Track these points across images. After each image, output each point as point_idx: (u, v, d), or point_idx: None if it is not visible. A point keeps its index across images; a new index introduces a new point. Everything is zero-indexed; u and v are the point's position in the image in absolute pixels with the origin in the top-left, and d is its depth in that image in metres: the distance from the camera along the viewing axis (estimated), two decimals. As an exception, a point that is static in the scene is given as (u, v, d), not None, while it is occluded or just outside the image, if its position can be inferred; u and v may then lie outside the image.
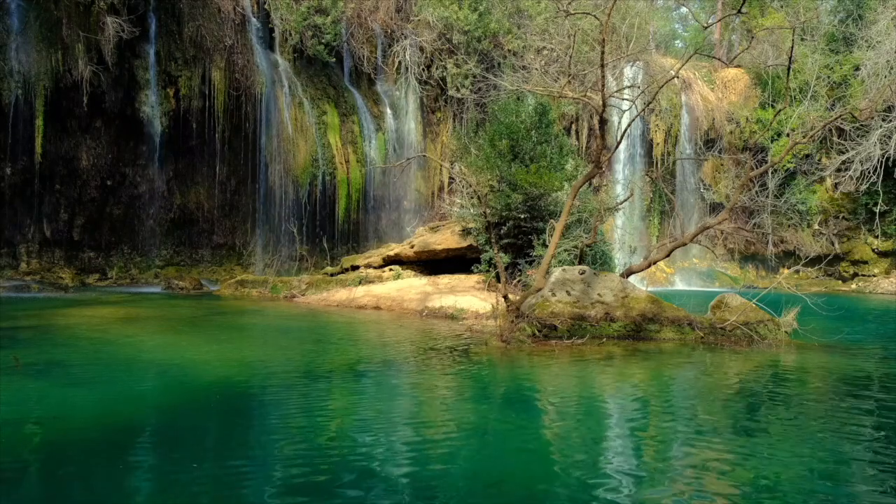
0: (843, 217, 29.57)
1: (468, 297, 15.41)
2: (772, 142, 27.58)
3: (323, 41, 25.13)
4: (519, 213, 16.68)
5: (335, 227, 25.46)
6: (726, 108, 30.54)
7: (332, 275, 20.88)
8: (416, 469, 4.82)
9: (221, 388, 7.38)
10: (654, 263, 14.79)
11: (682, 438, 5.68)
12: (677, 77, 26.68)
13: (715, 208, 29.80)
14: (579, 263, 12.93)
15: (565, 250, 14.92)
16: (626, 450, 5.44)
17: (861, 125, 25.51)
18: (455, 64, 26.95)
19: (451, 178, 26.56)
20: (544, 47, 26.78)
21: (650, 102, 18.32)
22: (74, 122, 21.75)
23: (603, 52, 10.79)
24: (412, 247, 19.89)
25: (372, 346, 11.11)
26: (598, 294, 11.57)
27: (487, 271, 16.83)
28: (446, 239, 19.18)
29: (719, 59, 32.86)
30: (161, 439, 5.59)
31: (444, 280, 18.01)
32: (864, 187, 26.62)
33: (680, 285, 28.93)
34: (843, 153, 25.48)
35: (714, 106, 30.47)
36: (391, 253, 20.37)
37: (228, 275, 23.67)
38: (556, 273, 11.92)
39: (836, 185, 28.82)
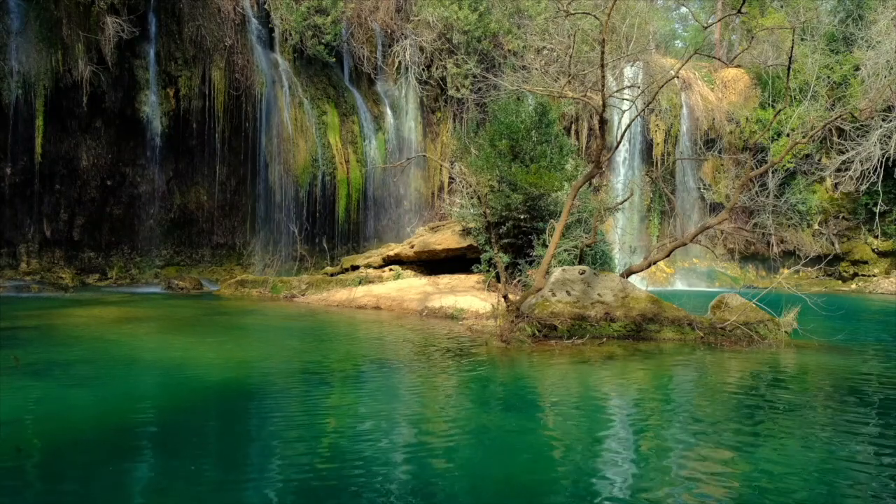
0: (843, 217, 29.58)
1: (468, 297, 15.40)
2: (772, 142, 27.58)
3: (323, 41, 25.12)
4: (519, 213, 16.67)
5: (335, 227, 25.45)
6: (726, 108, 30.53)
7: (332, 275, 20.88)
8: (415, 469, 4.82)
9: (221, 388, 7.38)
10: (655, 263, 14.80)
11: (682, 438, 5.68)
12: (677, 77, 26.69)
13: (715, 208, 29.79)
14: (579, 263, 12.93)
15: (565, 250, 14.92)
16: (627, 450, 5.44)
17: (861, 125, 25.50)
18: (455, 64, 26.94)
19: (451, 178, 26.56)
20: (544, 47, 26.78)
21: (650, 102, 18.32)
22: (74, 122, 21.74)
23: (603, 52, 10.79)
24: (412, 247, 19.89)
25: (372, 346, 11.10)
26: (598, 294, 11.56)
27: (487, 271, 16.83)
28: (446, 239, 19.17)
29: (719, 59, 32.85)
30: (161, 440, 5.58)
31: (444, 280, 18.01)
32: (864, 187, 26.62)
33: (680, 285, 28.93)
34: (843, 153, 25.48)
35: (714, 106, 30.47)
36: (391, 253, 20.36)
37: (228, 275, 23.67)
38: (556, 273, 11.92)
39: (836, 185, 28.83)
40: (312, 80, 25.80)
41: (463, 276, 18.09)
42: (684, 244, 13.70)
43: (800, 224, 29.30)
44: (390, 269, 19.93)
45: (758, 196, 23.36)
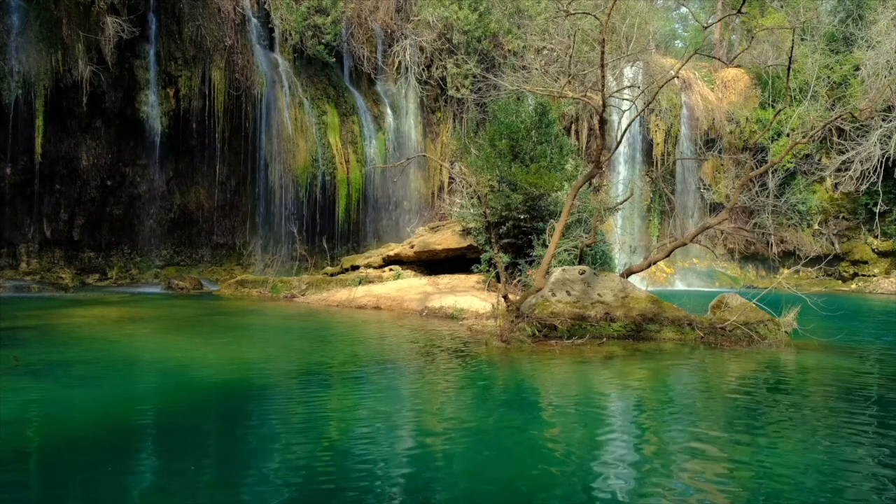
0: (843, 217, 29.57)
1: (468, 297, 15.40)
2: (772, 142, 27.57)
3: (323, 41, 25.12)
4: (519, 213, 16.67)
5: (335, 227, 25.45)
6: (726, 108, 30.53)
7: (332, 275, 20.88)
8: (415, 470, 4.82)
9: (221, 388, 7.38)
10: (655, 263, 14.80)
11: (681, 439, 5.68)
12: (677, 77, 26.69)
13: (715, 208, 29.79)
14: (579, 263, 12.93)
15: (565, 250, 14.92)
16: (627, 450, 5.44)
17: (861, 125, 25.50)
18: (455, 64, 26.94)
19: (451, 178, 26.56)
20: (544, 47, 26.77)
21: (650, 102, 18.32)
22: (74, 122, 21.74)
23: (603, 52, 10.79)
24: (412, 247, 19.89)
25: (372, 345, 11.10)
26: (598, 294, 11.56)
27: (487, 271, 16.83)
28: (446, 239, 19.18)
29: (719, 59, 32.85)
30: (160, 440, 5.59)
31: (444, 280, 18.01)
32: (864, 187, 26.62)
33: (680, 285, 28.92)
34: (843, 153, 25.48)
35: (714, 106, 30.47)
36: (391, 253, 20.36)
37: (228, 275, 23.66)
38: (556, 273, 11.92)
39: (836, 185, 28.82)
40: (312, 80, 25.80)
41: (463, 276, 18.09)
42: (684, 244, 13.70)
43: (800, 224, 29.30)
44: (390, 269, 19.93)
45: (758, 196, 23.38)
